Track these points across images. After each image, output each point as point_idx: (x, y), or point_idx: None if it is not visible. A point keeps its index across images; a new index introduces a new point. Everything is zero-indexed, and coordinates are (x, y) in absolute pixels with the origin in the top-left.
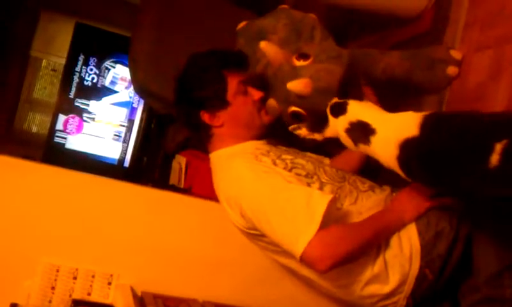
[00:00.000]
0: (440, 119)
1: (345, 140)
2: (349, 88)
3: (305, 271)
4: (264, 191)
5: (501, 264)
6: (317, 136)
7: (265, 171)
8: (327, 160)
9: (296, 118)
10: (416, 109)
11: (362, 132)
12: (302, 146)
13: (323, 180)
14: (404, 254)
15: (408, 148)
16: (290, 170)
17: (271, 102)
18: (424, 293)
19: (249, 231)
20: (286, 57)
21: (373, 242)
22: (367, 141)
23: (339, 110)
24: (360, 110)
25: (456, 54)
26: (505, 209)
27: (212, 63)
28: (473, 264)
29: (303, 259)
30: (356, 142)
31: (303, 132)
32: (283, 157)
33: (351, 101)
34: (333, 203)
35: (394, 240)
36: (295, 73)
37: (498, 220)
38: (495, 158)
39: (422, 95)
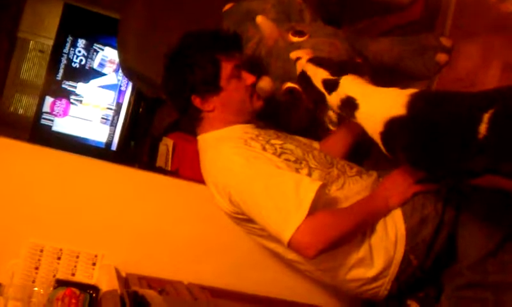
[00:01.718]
0: (427, 98)
1: (328, 120)
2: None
3: (291, 255)
4: (253, 177)
5: (485, 250)
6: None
7: (254, 156)
8: (316, 144)
9: (291, 94)
10: None
11: (349, 107)
12: (290, 129)
13: (312, 166)
14: (389, 238)
15: (393, 127)
16: (279, 155)
17: (264, 81)
18: (409, 278)
19: (236, 215)
20: (281, 35)
21: (360, 227)
22: (353, 117)
23: (332, 85)
24: (349, 85)
25: (446, 41)
26: (490, 195)
27: (206, 46)
28: (457, 249)
29: (291, 245)
30: (348, 117)
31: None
32: (272, 141)
33: (343, 76)
34: (322, 189)
35: (379, 225)
36: (295, 47)
37: (483, 206)
38: (483, 128)
39: (411, 82)
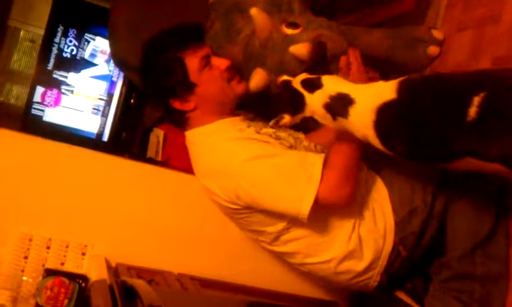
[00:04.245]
0: (416, 81)
1: (323, 116)
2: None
3: (280, 248)
4: (260, 161)
5: (473, 242)
6: (297, 118)
7: (253, 140)
8: (301, 135)
9: (286, 87)
10: None
11: (342, 104)
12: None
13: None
14: (378, 230)
15: (385, 112)
16: (275, 139)
17: (258, 74)
18: (398, 269)
19: (233, 206)
20: (275, 27)
21: (356, 154)
22: (345, 114)
23: (314, 85)
24: (336, 82)
25: (437, 34)
26: (479, 188)
27: (165, 49)
28: (446, 241)
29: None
30: (335, 116)
31: (286, 119)
32: (264, 130)
33: (323, 76)
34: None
35: (369, 217)
36: (290, 40)
37: (472, 199)
38: (473, 111)
39: (402, 74)
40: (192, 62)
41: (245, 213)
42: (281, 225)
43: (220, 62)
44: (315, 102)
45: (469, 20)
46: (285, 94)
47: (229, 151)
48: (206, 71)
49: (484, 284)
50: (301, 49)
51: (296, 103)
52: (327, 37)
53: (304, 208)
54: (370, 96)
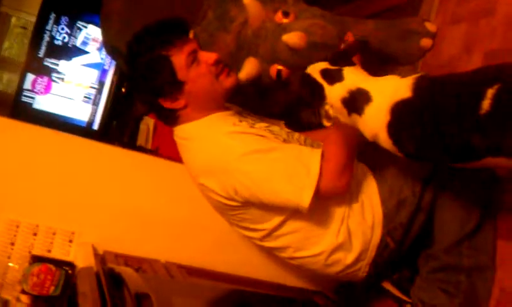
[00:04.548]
0: (431, 78)
1: (339, 110)
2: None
3: (270, 244)
4: (258, 155)
5: (461, 233)
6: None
7: (251, 132)
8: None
9: (279, 76)
10: None
11: (360, 100)
12: (274, 111)
13: None
14: (366, 222)
15: (399, 111)
16: (270, 134)
17: (250, 62)
18: (386, 261)
19: (230, 202)
20: (268, 16)
21: (352, 144)
22: (360, 111)
23: (334, 77)
24: (357, 77)
25: (430, 26)
26: (467, 181)
27: (150, 48)
28: (433, 233)
29: (324, 196)
30: (350, 112)
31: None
32: (257, 125)
33: (345, 67)
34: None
35: (357, 209)
36: (283, 29)
37: (460, 191)
38: (486, 104)
39: (395, 66)
40: (179, 59)
41: (241, 210)
42: (277, 220)
43: (207, 57)
44: (333, 95)
45: (463, 12)
46: (305, 88)
47: (226, 145)
48: (194, 68)
49: (470, 275)
50: (293, 38)
51: (315, 94)
52: (319, 26)
53: (304, 200)
54: (386, 95)
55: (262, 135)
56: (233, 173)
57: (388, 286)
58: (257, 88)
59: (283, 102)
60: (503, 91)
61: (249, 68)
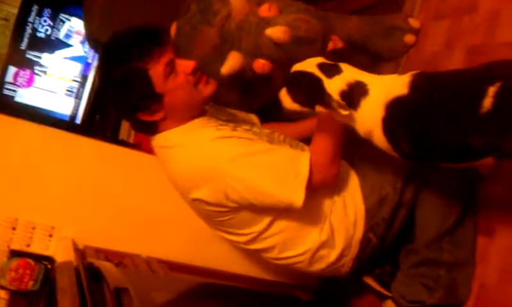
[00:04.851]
0: (428, 76)
1: (337, 104)
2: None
3: (256, 246)
4: (247, 158)
5: (441, 228)
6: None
7: (236, 135)
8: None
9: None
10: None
11: (357, 93)
12: (254, 106)
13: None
14: (349, 218)
15: (395, 108)
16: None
17: (233, 56)
18: (369, 256)
19: (219, 208)
20: (251, 9)
21: (337, 134)
22: (356, 105)
23: (332, 70)
24: (354, 70)
25: (413, 23)
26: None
27: (126, 60)
28: (414, 228)
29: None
30: (348, 106)
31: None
32: (239, 128)
33: (341, 63)
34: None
35: (340, 205)
36: (267, 23)
37: (441, 187)
38: (487, 102)
39: (378, 62)
40: (157, 72)
41: (230, 214)
42: (265, 222)
43: (185, 66)
44: (333, 88)
45: (446, 8)
46: (298, 86)
47: (213, 151)
48: (172, 79)
49: (450, 270)
50: (277, 32)
51: (313, 89)
52: (303, 21)
53: (297, 200)
54: (382, 90)
55: (248, 138)
56: (223, 178)
57: (369, 280)
58: (240, 82)
59: (266, 97)
60: (506, 89)
61: (232, 62)
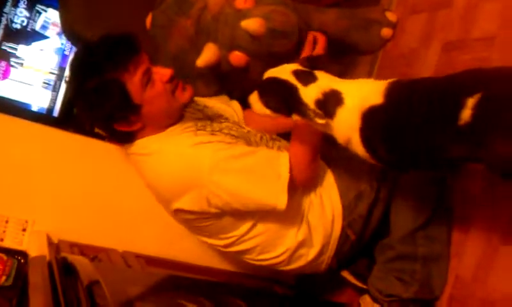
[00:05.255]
0: (404, 84)
1: (313, 114)
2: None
3: (234, 248)
4: (226, 162)
5: (415, 223)
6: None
7: (215, 140)
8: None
9: (274, 82)
10: (349, 68)
11: (333, 102)
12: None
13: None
14: (326, 215)
15: (371, 117)
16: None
17: (209, 48)
18: (347, 253)
19: (201, 216)
20: (228, 1)
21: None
22: (332, 114)
23: (308, 77)
24: (329, 77)
25: (391, 16)
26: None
27: (102, 71)
28: (390, 223)
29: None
30: (324, 115)
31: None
32: (218, 132)
33: (316, 70)
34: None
35: (317, 203)
36: (243, 15)
37: (415, 183)
38: (466, 114)
39: (355, 55)
40: (134, 82)
41: (212, 220)
42: (247, 225)
43: (161, 74)
44: (308, 97)
45: (423, 3)
46: (275, 91)
47: (194, 158)
48: (149, 89)
49: (425, 264)
50: (253, 24)
51: (289, 97)
52: (280, 13)
53: (280, 202)
54: (357, 98)
55: (226, 142)
56: (205, 185)
57: (346, 274)
58: (217, 75)
59: (244, 89)
60: (486, 100)
61: (207, 54)
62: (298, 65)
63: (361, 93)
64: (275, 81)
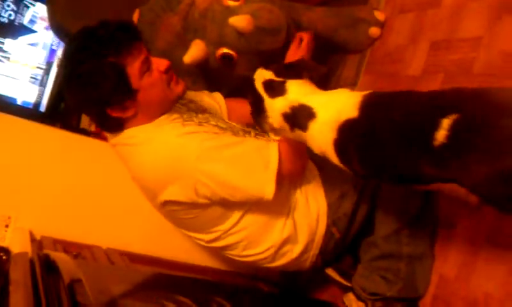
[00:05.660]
0: (379, 99)
1: (280, 124)
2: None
3: (218, 244)
4: (215, 151)
5: (399, 222)
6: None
7: (203, 130)
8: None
9: (225, 60)
10: (337, 67)
11: (302, 116)
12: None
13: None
14: (311, 213)
15: (346, 131)
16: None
17: (196, 45)
18: (332, 251)
19: (189, 207)
20: None
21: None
22: (304, 127)
23: (276, 90)
24: (300, 91)
25: (379, 15)
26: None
27: (101, 56)
28: (374, 222)
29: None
30: (293, 127)
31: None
32: (205, 123)
33: (289, 80)
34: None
35: (302, 201)
36: (231, 11)
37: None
38: (441, 135)
39: (343, 53)
40: (134, 67)
41: (198, 210)
42: (231, 221)
43: (159, 64)
44: (274, 109)
45: (411, 2)
46: (249, 93)
47: (181, 147)
48: (147, 76)
49: (409, 263)
50: (241, 22)
51: (256, 105)
52: (267, 10)
53: (268, 193)
54: (331, 112)
55: (215, 133)
56: (193, 174)
57: (331, 272)
58: (205, 71)
59: (231, 85)
60: (462, 123)
61: (195, 51)
62: (272, 74)
63: (336, 106)
64: (251, 86)
